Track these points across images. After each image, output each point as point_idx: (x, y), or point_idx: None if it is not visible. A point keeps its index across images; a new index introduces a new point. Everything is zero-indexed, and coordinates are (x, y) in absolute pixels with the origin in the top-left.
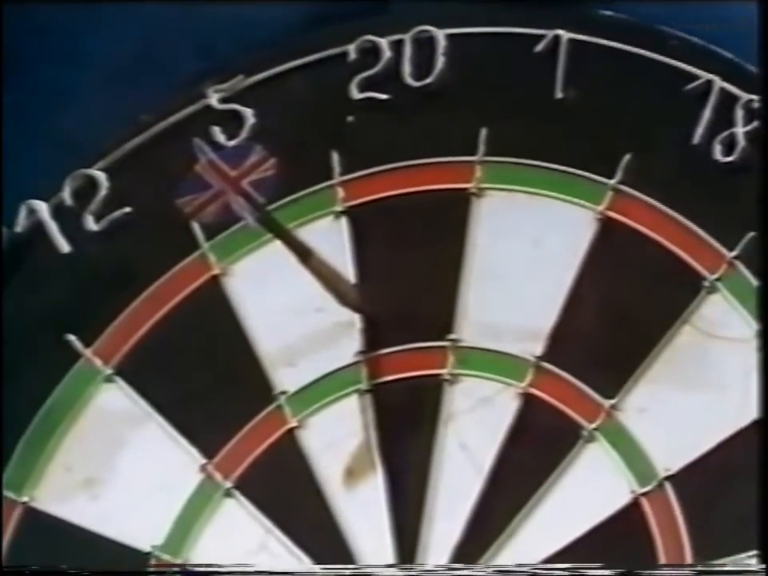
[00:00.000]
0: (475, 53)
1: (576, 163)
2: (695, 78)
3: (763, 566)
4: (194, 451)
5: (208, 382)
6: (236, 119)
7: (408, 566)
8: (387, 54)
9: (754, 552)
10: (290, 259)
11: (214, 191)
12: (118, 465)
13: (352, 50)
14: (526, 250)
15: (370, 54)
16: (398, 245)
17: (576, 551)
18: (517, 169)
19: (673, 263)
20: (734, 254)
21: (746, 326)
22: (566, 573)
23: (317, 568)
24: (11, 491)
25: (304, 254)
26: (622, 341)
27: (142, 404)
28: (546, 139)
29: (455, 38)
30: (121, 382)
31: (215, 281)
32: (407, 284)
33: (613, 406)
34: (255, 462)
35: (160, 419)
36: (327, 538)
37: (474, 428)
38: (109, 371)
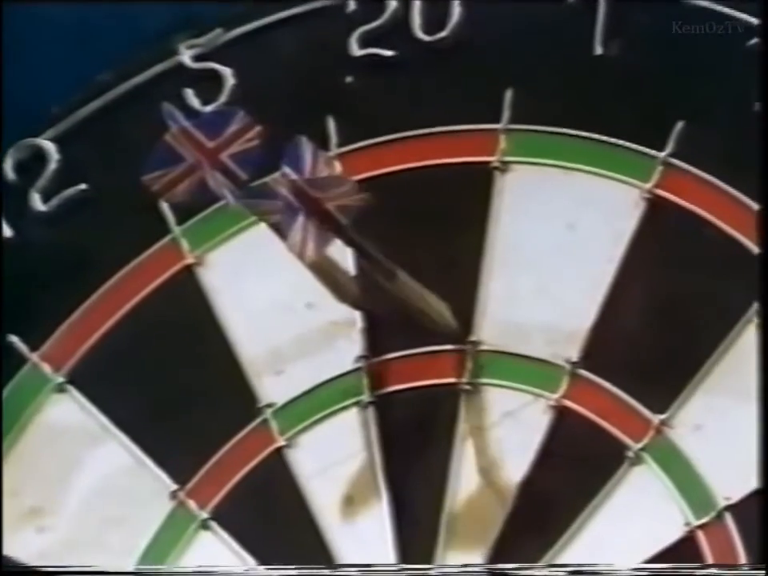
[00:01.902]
0: (497, 1)
1: (619, 132)
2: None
3: (763, 565)
4: (162, 475)
5: (179, 393)
6: (213, 80)
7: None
8: (393, 3)
9: None
10: (276, 246)
11: (186, 165)
12: (71, 491)
13: None
14: (559, 236)
15: (373, 3)
16: (406, 229)
17: None
18: (548, 139)
19: (734, 251)
20: None
21: None
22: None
23: None
24: None
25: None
26: (673, 344)
27: (100, 419)
28: (583, 104)
29: None
30: (74, 393)
31: (188, 272)
32: (417, 276)
33: (663, 422)
34: (236, 489)
35: (121, 437)
36: None
37: (497, 447)
38: (60, 379)
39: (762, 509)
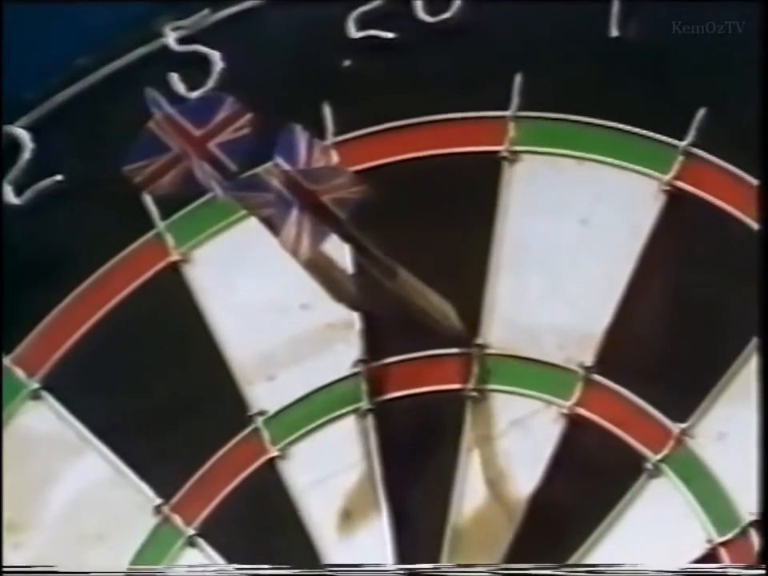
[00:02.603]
0: None
1: (636, 120)
2: None
3: (763, 565)
4: (146, 489)
5: (164, 400)
6: (200, 64)
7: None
8: None
9: None
10: (268, 242)
11: (171, 155)
12: (47, 505)
13: None
14: (571, 231)
15: None
16: (408, 224)
17: None
18: (560, 127)
19: (760, 247)
20: None
21: None
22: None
23: None
24: None
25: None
26: (695, 347)
27: (78, 428)
28: (598, 89)
29: None
30: (50, 400)
31: (173, 270)
32: (419, 274)
33: (684, 432)
34: (225, 503)
35: (101, 447)
36: None
37: (505, 458)
38: (35, 385)
39: (762, 509)
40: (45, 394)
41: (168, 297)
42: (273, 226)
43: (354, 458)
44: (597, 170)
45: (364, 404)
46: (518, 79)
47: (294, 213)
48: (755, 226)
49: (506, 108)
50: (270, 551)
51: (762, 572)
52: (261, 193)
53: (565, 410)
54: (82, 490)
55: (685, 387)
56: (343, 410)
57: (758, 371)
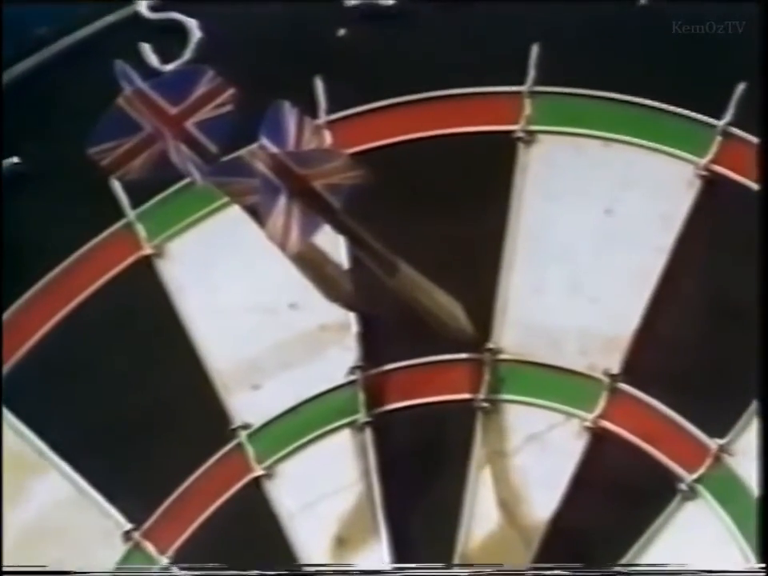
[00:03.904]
0: None
1: (668, 96)
2: None
3: (763, 565)
4: (113, 512)
5: (134, 412)
6: (176, 33)
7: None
8: None
9: None
10: (252, 234)
11: (143, 135)
12: (4, 529)
13: None
14: (595, 221)
15: None
16: (411, 213)
17: None
18: (582, 104)
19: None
20: None
21: None
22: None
23: None
24: None
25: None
26: (734, 353)
27: (37, 444)
28: (624, 62)
29: None
30: (5, 412)
31: (145, 264)
32: (424, 270)
33: (722, 448)
34: (204, 528)
35: (63, 466)
36: None
37: (520, 478)
38: None
39: (762, 509)
40: None
41: (139, 295)
42: (258, 215)
43: (349, 478)
44: (624, 153)
45: (361, 416)
46: (534, 50)
47: (282, 200)
48: None
49: (520, 83)
50: None
51: (762, 572)
52: (245, 178)
53: (588, 424)
54: (42, 512)
55: (723, 398)
56: (337, 424)
57: (758, 368)
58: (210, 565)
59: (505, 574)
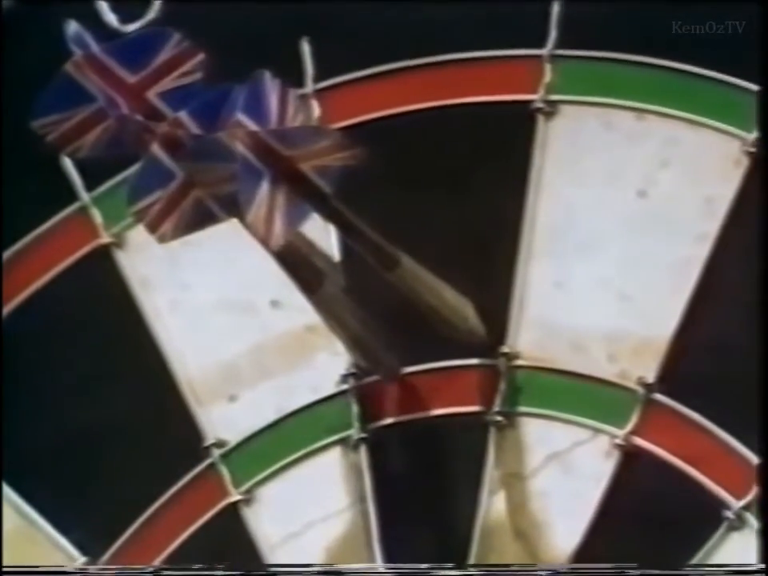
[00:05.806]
0: None
1: (710, 61)
2: None
3: (763, 566)
4: (66, 545)
5: (91, 427)
6: None
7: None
8: None
9: None
10: (230, 224)
11: (95, 108)
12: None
13: None
14: (627, 206)
15: None
16: (414, 197)
17: None
18: (609, 69)
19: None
20: None
21: None
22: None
23: None
24: None
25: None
26: None
27: None
28: (660, 22)
29: None
30: None
31: (103, 255)
32: (429, 263)
33: None
34: (172, 561)
35: (9, 493)
36: None
37: (540, 504)
38: None
39: (762, 509)
40: None
41: (96, 289)
42: (236, 203)
43: (340, 504)
44: (660, 127)
45: (354, 432)
46: (555, 7)
47: (265, 187)
48: None
49: (540, 46)
50: None
51: (762, 573)
52: (220, 161)
53: (618, 441)
54: None
55: None
56: (327, 441)
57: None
58: None
59: None
